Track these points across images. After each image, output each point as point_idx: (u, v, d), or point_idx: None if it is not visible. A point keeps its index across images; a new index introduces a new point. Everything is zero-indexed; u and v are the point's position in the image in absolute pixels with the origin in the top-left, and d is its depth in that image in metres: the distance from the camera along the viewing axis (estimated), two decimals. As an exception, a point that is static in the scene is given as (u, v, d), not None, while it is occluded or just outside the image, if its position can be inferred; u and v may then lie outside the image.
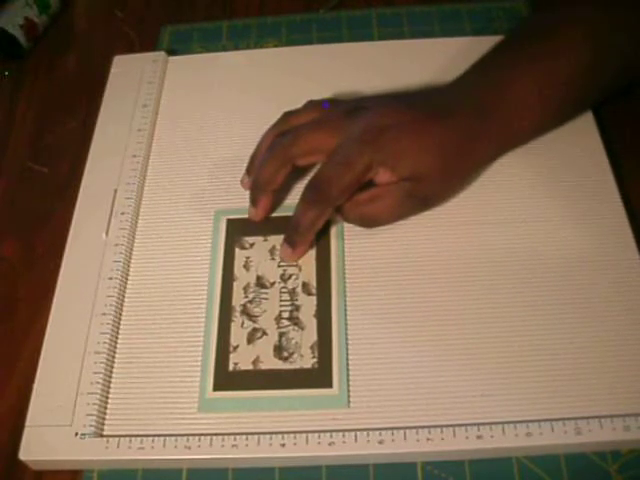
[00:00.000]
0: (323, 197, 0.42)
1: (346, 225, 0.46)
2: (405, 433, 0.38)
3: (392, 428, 0.38)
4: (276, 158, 0.44)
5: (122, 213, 0.48)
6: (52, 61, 0.62)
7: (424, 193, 0.44)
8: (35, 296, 0.47)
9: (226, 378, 0.41)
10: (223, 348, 0.42)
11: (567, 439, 0.37)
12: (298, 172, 0.47)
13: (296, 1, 0.63)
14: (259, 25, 0.61)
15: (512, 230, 0.45)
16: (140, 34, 0.62)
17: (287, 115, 0.47)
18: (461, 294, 0.43)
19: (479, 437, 0.37)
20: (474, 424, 0.38)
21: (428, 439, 0.37)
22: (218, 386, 0.41)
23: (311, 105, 0.47)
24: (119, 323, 0.43)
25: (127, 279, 0.45)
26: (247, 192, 0.46)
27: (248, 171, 0.47)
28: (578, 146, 0.48)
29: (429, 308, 0.42)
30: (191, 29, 0.61)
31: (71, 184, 0.50)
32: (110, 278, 0.45)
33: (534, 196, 0.46)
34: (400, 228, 0.45)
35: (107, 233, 0.47)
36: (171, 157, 0.51)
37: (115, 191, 0.49)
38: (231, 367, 0.41)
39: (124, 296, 0.45)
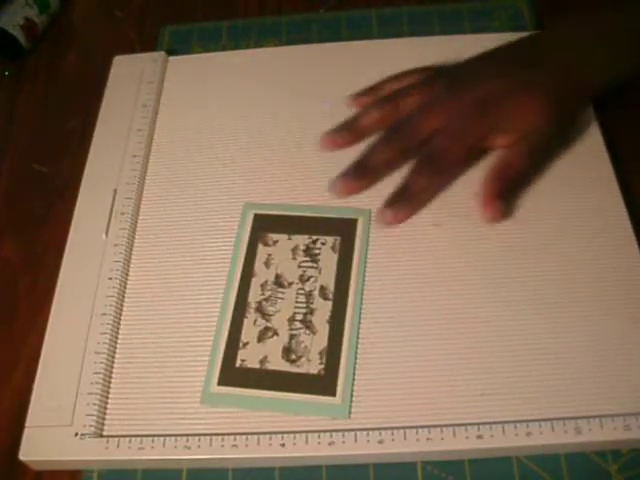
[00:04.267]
0: (436, 167, 0.45)
1: (372, 234, 0.45)
2: (405, 433, 0.38)
3: (392, 428, 0.38)
4: (391, 149, 0.46)
5: (122, 213, 0.48)
6: (52, 61, 0.62)
7: (548, 134, 0.46)
8: (35, 296, 0.47)
9: (232, 374, 0.41)
10: (233, 343, 0.42)
11: (567, 439, 0.37)
12: (305, 173, 0.48)
13: (296, 1, 0.63)
14: (259, 25, 0.61)
15: (511, 230, 0.45)
16: (140, 34, 0.62)
17: (387, 81, 0.51)
18: (461, 294, 0.42)
19: (479, 437, 0.37)
20: (474, 424, 0.37)
21: (428, 439, 0.37)
22: (223, 381, 0.40)
23: (412, 73, 0.50)
24: (119, 323, 0.43)
25: (127, 279, 0.45)
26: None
27: (345, 129, 0.49)
28: (579, 146, 0.48)
29: (431, 309, 0.42)
30: (191, 29, 0.61)
31: (71, 184, 0.50)
32: (110, 278, 0.45)
33: (534, 196, 0.46)
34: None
35: (107, 233, 0.47)
36: (171, 157, 0.51)
37: (115, 191, 0.49)
38: (238, 363, 0.41)
39: (124, 296, 0.45)
